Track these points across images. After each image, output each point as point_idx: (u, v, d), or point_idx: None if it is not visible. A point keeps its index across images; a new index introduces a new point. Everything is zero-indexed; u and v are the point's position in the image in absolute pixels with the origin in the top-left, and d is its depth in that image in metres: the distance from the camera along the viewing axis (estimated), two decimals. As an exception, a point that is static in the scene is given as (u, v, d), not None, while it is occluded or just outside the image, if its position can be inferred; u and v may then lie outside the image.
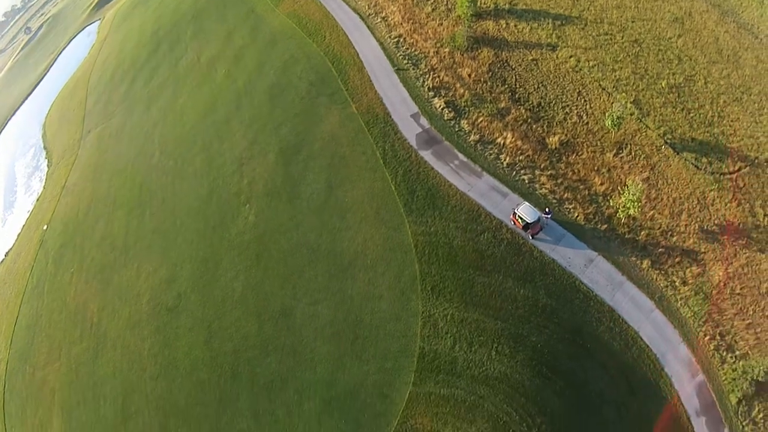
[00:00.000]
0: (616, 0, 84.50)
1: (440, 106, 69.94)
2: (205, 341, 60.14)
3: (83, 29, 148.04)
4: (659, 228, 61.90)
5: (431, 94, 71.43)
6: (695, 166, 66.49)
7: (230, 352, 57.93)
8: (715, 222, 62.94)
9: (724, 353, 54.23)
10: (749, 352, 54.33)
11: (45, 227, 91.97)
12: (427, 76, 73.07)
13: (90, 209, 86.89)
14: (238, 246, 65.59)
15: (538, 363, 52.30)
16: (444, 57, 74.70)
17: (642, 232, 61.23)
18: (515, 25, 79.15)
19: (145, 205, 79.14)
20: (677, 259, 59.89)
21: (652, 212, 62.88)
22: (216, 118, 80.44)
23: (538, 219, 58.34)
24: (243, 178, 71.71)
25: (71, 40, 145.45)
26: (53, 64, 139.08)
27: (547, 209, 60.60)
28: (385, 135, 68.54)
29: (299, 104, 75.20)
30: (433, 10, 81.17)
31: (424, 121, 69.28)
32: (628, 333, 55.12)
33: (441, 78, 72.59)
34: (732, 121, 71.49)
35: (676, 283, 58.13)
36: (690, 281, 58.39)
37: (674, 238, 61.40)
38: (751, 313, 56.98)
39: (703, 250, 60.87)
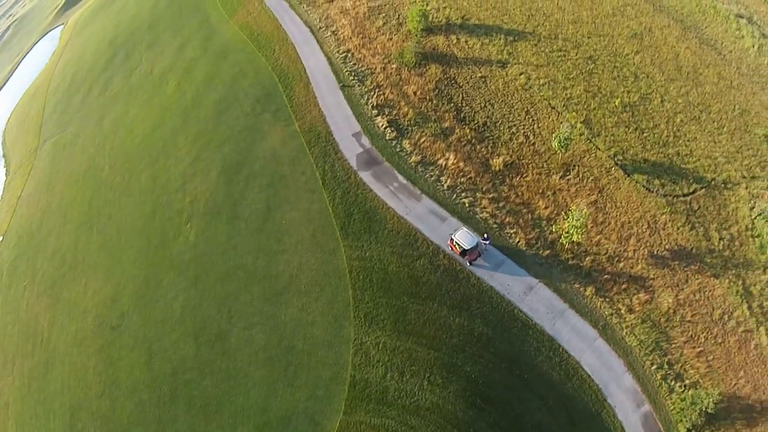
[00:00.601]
0: (573, 15, 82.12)
1: (383, 125, 68.09)
2: (146, 362, 59.22)
3: (47, 33, 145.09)
4: (605, 253, 59.93)
5: (375, 112, 69.56)
6: (646, 188, 64.34)
7: (169, 373, 57.11)
8: (666, 247, 60.95)
9: (673, 382, 52.61)
10: (700, 380, 52.80)
11: (0, 238, 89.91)
12: (372, 93, 71.15)
13: (43, 222, 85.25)
14: (179, 266, 64.24)
15: (472, 393, 50.81)
16: (391, 73, 72.64)
17: (587, 258, 59.30)
18: (466, 41, 76.99)
19: (93, 221, 77.50)
20: (624, 286, 58.00)
21: (598, 237, 60.82)
22: (164, 133, 78.78)
23: (476, 245, 56.53)
24: (186, 196, 70.09)
25: (35, 45, 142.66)
26: (16, 68, 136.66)
27: (485, 235, 58.71)
28: (326, 155, 66.68)
29: (243, 120, 73.48)
30: (384, 24, 79.09)
31: (365, 140, 67.39)
32: (569, 363, 53.48)
33: (386, 95, 70.58)
34: (689, 140, 69.31)
35: (622, 311, 56.29)
36: (637, 309, 56.52)
37: (621, 264, 59.40)
38: (703, 340, 55.29)
39: (652, 276, 58.89)
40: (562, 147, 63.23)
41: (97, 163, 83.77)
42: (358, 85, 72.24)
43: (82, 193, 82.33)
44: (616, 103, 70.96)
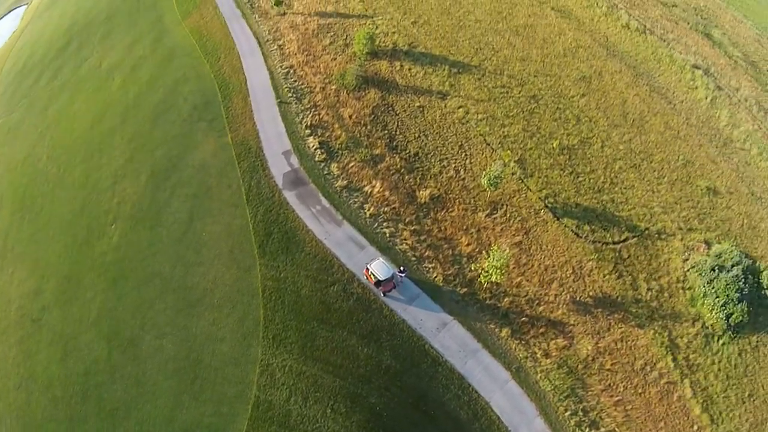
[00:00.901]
0: (523, 53, 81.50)
1: (314, 145, 67.01)
2: (61, 359, 58.22)
3: (12, 11, 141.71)
4: (525, 296, 59.00)
5: (308, 132, 68.47)
6: (575, 233, 63.56)
7: (82, 373, 56.10)
8: (590, 294, 60.16)
9: (587, 429, 51.71)
10: (616, 429, 52.14)
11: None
12: (308, 112, 70.12)
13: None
14: (100, 266, 63.14)
15: (376, 426, 49.54)
16: (329, 94, 71.62)
17: (505, 299, 58.28)
18: (409, 69, 76.16)
19: (25, 210, 75.91)
20: (541, 330, 56.96)
21: (519, 279, 59.97)
22: (102, 129, 77.32)
23: (392, 276, 55.42)
24: (114, 196, 68.81)
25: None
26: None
27: (402, 267, 57.62)
28: (254, 170, 65.52)
29: (179, 127, 72.25)
30: (330, 43, 78.12)
31: (294, 159, 66.26)
32: (478, 403, 52.28)
33: (321, 116, 69.56)
34: (625, 188, 68.68)
35: (538, 355, 55.20)
36: (554, 354, 55.50)
37: (541, 308, 58.47)
38: (622, 389, 54.48)
39: (572, 322, 57.98)
40: (492, 185, 62.31)
41: (36, 152, 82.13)
42: (296, 103, 71.17)
43: (18, 180, 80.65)
44: (554, 145, 70.24)
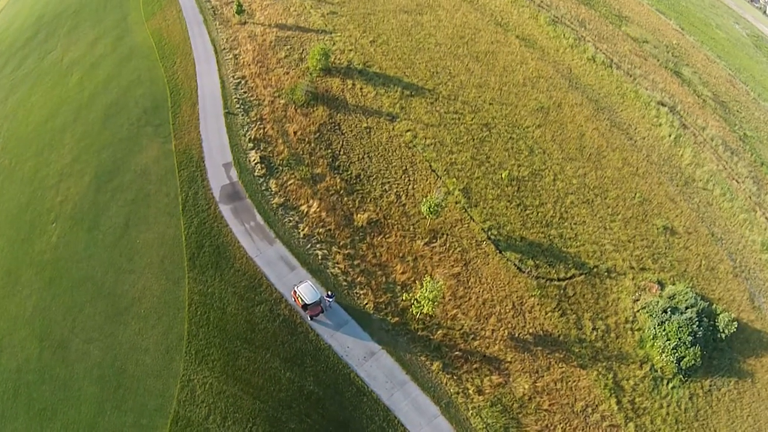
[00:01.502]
0: (480, 79, 79.30)
1: (255, 160, 64.33)
2: None
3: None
4: (460, 329, 56.36)
5: (250, 145, 65.80)
6: (518, 267, 61.23)
7: (14, 370, 54.64)
8: (530, 331, 57.71)
9: None
10: None
11: None
12: (253, 125, 67.56)
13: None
14: (38, 264, 61.32)
15: None
16: (277, 108, 69.25)
17: (438, 331, 55.64)
18: (361, 88, 73.86)
19: (-25, 200, 73.24)
20: (475, 365, 54.28)
21: (455, 311, 57.48)
22: (54, 125, 75.24)
23: (319, 300, 52.86)
24: (58, 194, 66.82)
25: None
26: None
27: (329, 292, 55.09)
28: (192, 180, 63.15)
29: (127, 130, 69.95)
30: (286, 56, 75.79)
31: (234, 173, 63.77)
32: None
33: (266, 130, 67.07)
34: (576, 223, 66.46)
35: (470, 391, 52.46)
36: (487, 391, 52.77)
37: (476, 343, 55.87)
38: (560, 431, 51.80)
39: (509, 359, 55.43)
40: (432, 213, 59.56)
41: (-9, 142, 79.92)
42: (242, 115, 68.60)
43: (-30, 170, 78.32)
44: (503, 176, 67.91)
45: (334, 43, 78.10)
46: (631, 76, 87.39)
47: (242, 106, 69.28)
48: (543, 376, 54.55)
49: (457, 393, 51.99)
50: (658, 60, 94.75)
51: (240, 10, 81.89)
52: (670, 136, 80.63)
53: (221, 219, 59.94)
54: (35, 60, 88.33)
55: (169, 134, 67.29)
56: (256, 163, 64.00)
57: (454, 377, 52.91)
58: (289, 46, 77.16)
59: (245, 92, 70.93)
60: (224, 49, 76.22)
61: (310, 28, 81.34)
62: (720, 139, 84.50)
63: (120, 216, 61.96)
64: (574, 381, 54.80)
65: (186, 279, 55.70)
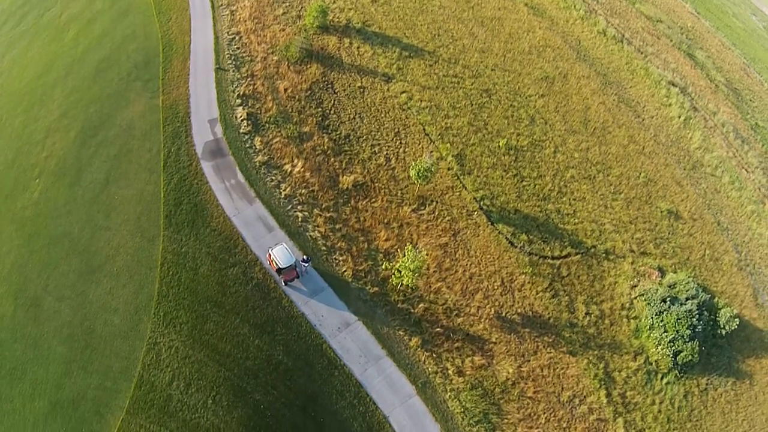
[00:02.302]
0: (484, 44, 70.31)
1: (241, 116, 56.67)
2: None
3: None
4: (443, 304, 49.06)
5: (238, 101, 58.01)
6: (509, 241, 53.40)
7: None
8: (518, 310, 50.21)
9: None
10: None
11: None
12: (242, 81, 59.68)
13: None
14: (19, 221, 55.76)
15: (258, 425, 41.95)
16: (269, 65, 61.30)
17: (420, 305, 48.37)
18: (358, 47, 65.42)
19: (-35, 157, 66.95)
20: (457, 344, 47.23)
21: (439, 284, 50.16)
22: (46, 81, 68.27)
23: (294, 264, 45.99)
24: (44, 150, 60.11)
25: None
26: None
27: (305, 256, 47.84)
28: (176, 136, 56.06)
29: (116, 84, 62.64)
30: (284, 13, 67.41)
31: (218, 129, 56.33)
32: (375, 416, 43.79)
33: (255, 86, 59.24)
34: (575, 199, 58.23)
35: (450, 371, 45.67)
36: (468, 372, 45.92)
37: (460, 320, 48.57)
38: (543, 421, 45.44)
39: (494, 339, 48.20)
40: (421, 178, 51.62)
41: (-15, 99, 73.28)
42: (233, 71, 60.57)
43: (-39, 126, 71.88)
44: (501, 144, 59.56)
45: (334, 1, 69.71)
46: (642, 53, 77.85)
47: (234, 62, 61.34)
48: (529, 361, 47.77)
49: (436, 373, 45.51)
50: (671, 40, 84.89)
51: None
52: (679, 117, 71.45)
53: (201, 176, 53.16)
54: (34, 17, 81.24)
55: (158, 89, 60.12)
56: (242, 120, 56.48)
57: (434, 355, 46.26)
58: (287, 3, 68.93)
59: (238, 48, 63.02)
60: (221, 5, 68.15)
61: (311, -16, 72.76)
62: (731, 126, 75.17)
63: (101, 171, 55.65)
64: (563, 368, 48.00)
65: (161, 237, 49.88)
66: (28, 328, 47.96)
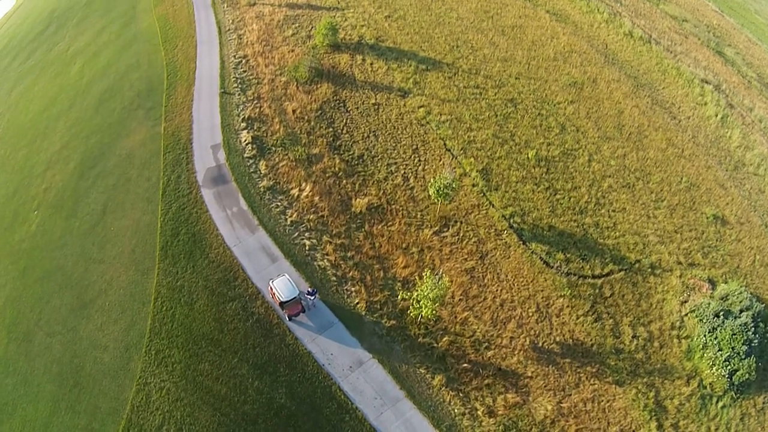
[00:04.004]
0: (506, 53, 59.68)
1: (246, 140, 47.52)
2: None
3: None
4: (471, 336, 38.48)
5: (243, 125, 48.93)
6: (544, 262, 42.70)
7: None
8: (557, 339, 39.37)
9: None
10: None
11: None
12: (248, 104, 50.69)
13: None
14: (16, 253, 48.78)
15: None
16: (277, 86, 52.10)
17: (444, 338, 37.92)
18: (371, 63, 55.65)
19: (-31, 191, 60.25)
20: (487, 381, 36.74)
21: (466, 314, 39.51)
22: (51, 114, 60.92)
23: (297, 297, 36.67)
24: (44, 182, 52.81)
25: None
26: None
27: (311, 288, 38.20)
28: (177, 163, 47.23)
29: (118, 114, 54.78)
30: (293, 34, 58.28)
31: (221, 154, 47.21)
32: None
33: (262, 109, 50.12)
34: (615, 211, 47.24)
35: (479, 412, 35.23)
36: (500, 412, 35.49)
37: (490, 353, 37.98)
38: None
39: (529, 373, 37.56)
40: (441, 196, 41.27)
41: (-8, 134, 66.65)
42: (239, 94, 51.58)
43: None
44: (530, 155, 48.76)
45: (345, 19, 60.43)
46: (671, 52, 66.29)
47: (240, 86, 52.44)
48: (570, 395, 37.14)
49: (463, 414, 35.21)
50: (699, 39, 73.20)
51: (249, -10, 64.65)
52: (716, 116, 59.83)
53: (201, 204, 44.05)
54: (43, 52, 74.75)
55: (160, 117, 51.81)
56: (247, 144, 47.30)
57: (460, 394, 35.99)
58: (297, 24, 59.93)
59: (245, 71, 54.07)
60: (229, 30, 59.58)
61: (322, 5, 62.77)
62: None
63: (98, 203, 47.57)
64: (608, 401, 37.26)
65: (156, 270, 40.84)
66: (19, 364, 41.46)
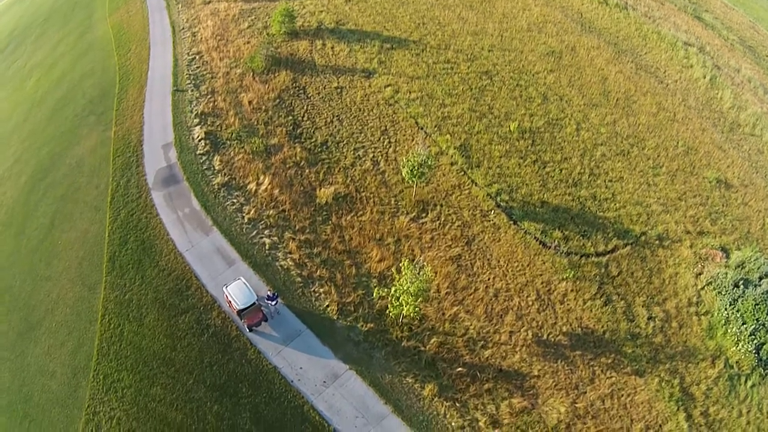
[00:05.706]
0: (476, 27, 51.30)
1: (199, 136, 39.04)
2: None
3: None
4: (464, 335, 30.02)
5: (196, 121, 40.44)
6: (540, 242, 34.38)
7: None
8: (564, 329, 30.96)
9: None
10: None
11: None
12: (202, 99, 42.24)
13: None
14: None
15: None
16: (232, 79, 43.67)
17: (432, 340, 29.46)
18: (332, 47, 47.23)
19: None
20: (487, 386, 28.30)
21: (455, 309, 30.92)
22: (5, 129, 52.99)
23: (256, 303, 28.48)
24: (-6, 200, 44.92)
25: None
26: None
27: (270, 292, 29.58)
28: (127, 167, 38.93)
29: (70, 122, 46.51)
30: (249, 26, 49.92)
31: (173, 153, 38.76)
32: None
33: (216, 103, 41.67)
34: (611, 180, 38.99)
35: (481, 423, 27.00)
36: (506, 420, 27.26)
37: (488, 352, 29.55)
38: None
39: (536, 372, 29.22)
40: (417, 177, 32.68)
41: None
42: (192, 90, 43.01)
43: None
44: (512, 128, 40.12)
45: (304, 7, 52.27)
46: (650, 18, 58.22)
47: (193, 82, 43.99)
48: (585, 393, 29.02)
49: (462, 428, 27.02)
50: (675, 5, 65.44)
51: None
52: (704, 77, 51.83)
53: (151, 208, 35.86)
54: (1, 71, 66.90)
55: (111, 121, 43.39)
56: (200, 140, 38.82)
57: (457, 404, 27.77)
58: (253, 17, 51.65)
59: (198, 67, 45.62)
60: (183, 29, 51.16)
61: (279, -4, 55.17)
62: (758, 81, 55.98)
63: (47, 216, 39.53)
64: (629, 395, 29.23)
65: (103, 284, 33.23)
66: (-30, 397, 32.81)
